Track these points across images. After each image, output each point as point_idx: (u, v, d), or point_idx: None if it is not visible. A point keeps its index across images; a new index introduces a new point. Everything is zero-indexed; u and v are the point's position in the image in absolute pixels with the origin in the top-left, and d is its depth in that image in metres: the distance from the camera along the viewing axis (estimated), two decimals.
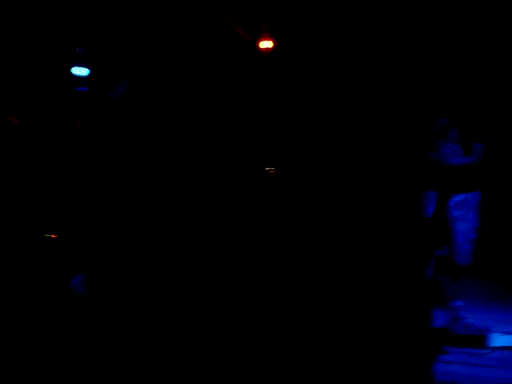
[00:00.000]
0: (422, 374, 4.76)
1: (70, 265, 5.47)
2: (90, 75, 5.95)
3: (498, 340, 5.34)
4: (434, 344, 5.14)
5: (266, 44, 6.11)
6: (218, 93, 6.20)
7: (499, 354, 5.15)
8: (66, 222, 5.69)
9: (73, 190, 5.75)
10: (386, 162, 5.93)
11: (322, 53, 6.12)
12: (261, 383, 4.57)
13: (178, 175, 6.01)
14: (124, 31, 5.93)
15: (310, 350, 4.73)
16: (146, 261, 5.51)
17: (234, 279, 5.40)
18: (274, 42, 6.13)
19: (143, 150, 5.91)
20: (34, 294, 5.29)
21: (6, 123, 5.85)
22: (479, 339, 5.41)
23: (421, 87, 6.01)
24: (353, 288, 5.21)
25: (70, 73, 5.91)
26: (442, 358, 5.01)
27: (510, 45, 6.26)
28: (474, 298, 5.91)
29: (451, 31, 6.23)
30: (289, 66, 6.24)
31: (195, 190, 6.01)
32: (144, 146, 5.91)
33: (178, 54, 6.12)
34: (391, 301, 5.21)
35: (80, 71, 5.90)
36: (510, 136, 6.45)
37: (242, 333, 4.91)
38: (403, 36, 6.04)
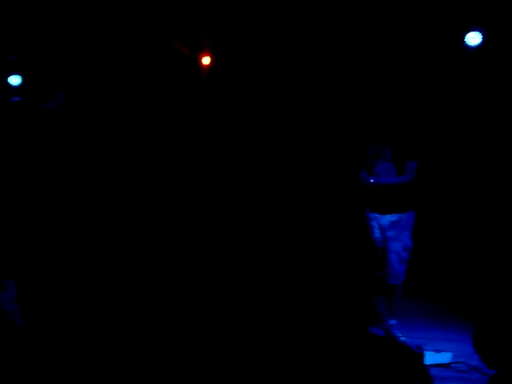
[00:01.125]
0: None
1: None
2: (22, 84, 5.82)
3: (431, 358, 5.38)
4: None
5: (206, 60, 6.12)
6: (154, 105, 6.17)
7: (433, 371, 5.19)
8: None
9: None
10: (320, 183, 5.98)
11: (258, 67, 6.17)
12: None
13: (109, 184, 5.94)
14: (60, 39, 5.84)
15: None
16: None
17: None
18: (213, 58, 6.14)
19: (77, 160, 5.82)
20: None
21: None
22: None
23: (352, 107, 6.10)
24: (286, 309, 5.21)
25: (5, 82, 5.77)
26: None
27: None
28: (407, 316, 5.97)
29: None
30: (227, 81, 6.26)
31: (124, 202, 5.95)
32: (77, 156, 5.83)
33: (115, 65, 6.06)
34: (325, 317, 5.22)
35: (14, 80, 5.77)
36: (442, 154, 6.59)
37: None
38: (336, 58, 6.14)
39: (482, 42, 6.35)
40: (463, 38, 6.37)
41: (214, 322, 5.02)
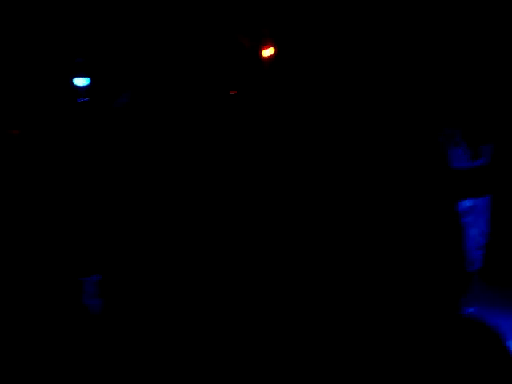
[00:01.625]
0: None
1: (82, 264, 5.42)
2: (90, 85, 5.89)
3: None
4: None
5: (268, 52, 6.07)
6: (223, 97, 6.14)
7: None
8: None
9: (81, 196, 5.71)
10: (393, 172, 5.86)
11: (324, 58, 6.08)
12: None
13: (181, 183, 5.95)
14: (125, 39, 5.88)
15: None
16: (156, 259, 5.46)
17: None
18: (275, 49, 6.09)
19: (149, 160, 5.85)
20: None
21: (6, 136, 5.79)
22: None
23: (426, 92, 5.95)
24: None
25: (71, 84, 5.85)
26: None
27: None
28: (485, 304, 5.83)
29: (453, 37, 6.20)
30: (291, 73, 6.19)
31: (196, 200, 5.95)
32: (150, 155, 5.85)
33: (180, 61, 6.07)
34: (406, 306, 5.14)
35: (81, 82, 5.84)
36: None
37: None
38: (408, 43, 6.00)
39: None
40: None
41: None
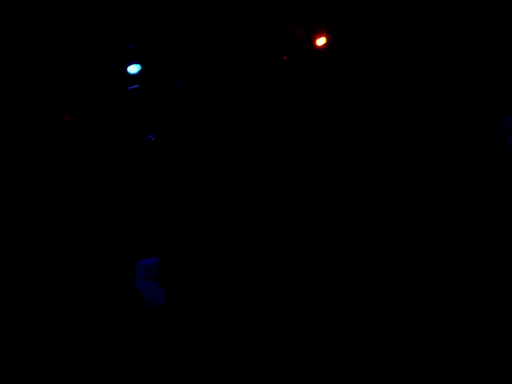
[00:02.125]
0: None
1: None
2: (141, 72, 5.88)
3: None
4: None
5: (321, 41, 6.00)
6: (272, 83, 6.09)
7: None
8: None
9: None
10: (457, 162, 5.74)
11: (383, 50, 5.99)
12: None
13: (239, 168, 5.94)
14: (177, 28, 5.86)
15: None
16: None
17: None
18: (328, 39, 6.01)
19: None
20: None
21: (58, 121, 5.81)
22: None
23: (489, 85, 5.82)
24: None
25: (125, 71, 5.84)
26: None
27: None
28: None
29: None
30: (346, 63, 6.12)
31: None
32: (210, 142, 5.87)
33: (230, 49, 6.04)
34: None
35: (133, 69, 5.83)
36: None
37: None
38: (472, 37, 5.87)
39: None
40: None
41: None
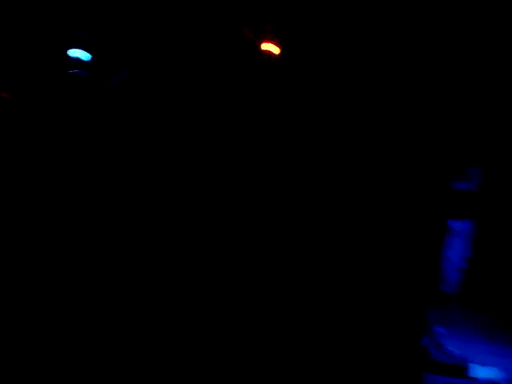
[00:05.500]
0: None
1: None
2: (90, 60, 5.85)
3: (478, 371, 5.21)
4: (417, 370, 5.04)
5: (269, 46, 6.03)
6: (218, 87, 6.11)
7: None
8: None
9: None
10: (383, 184, 5.81)
11: (324, 57, 6.04)
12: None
13: (174, 169, 5.93)
14: (127, 20, 5.85)
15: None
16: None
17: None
18: (278, 45, 6.04)
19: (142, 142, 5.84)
20: None
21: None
22: (459, 369, 5.29)
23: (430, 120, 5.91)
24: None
25: (69, 55, 5.81)
26: None
27: None
28: (458, 326, 5.76)
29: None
30: (293, 69, 6.15)
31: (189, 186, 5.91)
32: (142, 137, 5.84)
33: (179, 45, 6.04)
34: (378, 322, 5.11)
35: (79, 54, 5.79)
36: (507, 165, 6.32)
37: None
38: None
39: None
40: None
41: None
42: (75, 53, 5.74)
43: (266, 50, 6.03)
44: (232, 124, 6.16)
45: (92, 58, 5.87)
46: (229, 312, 5.17)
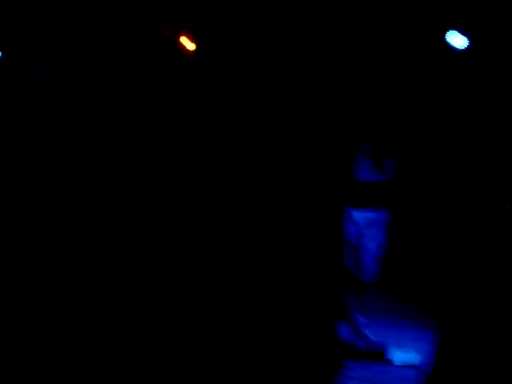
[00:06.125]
0: None
1: None
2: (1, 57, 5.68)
3: (399, 357, 5.38)
4: (336, 358, 5.15)
5: (187, 42, 6.02)
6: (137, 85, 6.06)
7: (400, 371, 5.20)
8: None
9: None
10: (295, 176, 5.91)
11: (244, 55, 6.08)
12: None
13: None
14: (41, 16, 5.71)
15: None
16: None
17: None
18: (196, 41, 6.04)
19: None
20: None
21: None
22: (380, 355, 5.45)
23: (335, 103, 6.04)
24: (255, 296, 5.20)
25: None
26: (344, 373, 5.02)
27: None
28: (377, 314, 5.95)
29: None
30: (210, 66, 6.16)
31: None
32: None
33: (97, 44, 5.95)
34: (295, 313, 5.19)
35: None
36: (421, 155, 6.58)
37: None
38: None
39: (469, 45, 6.33)
40: (448, 39, 6.36)
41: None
42: None
43: (183, 45, 6.02)
44: (148, 119, 6.12)
45: (3, 56, 5.71)
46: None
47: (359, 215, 5.58)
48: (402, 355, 5.44)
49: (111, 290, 5.23)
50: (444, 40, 6.32)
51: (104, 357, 4.63)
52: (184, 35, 6.04)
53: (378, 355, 5.51)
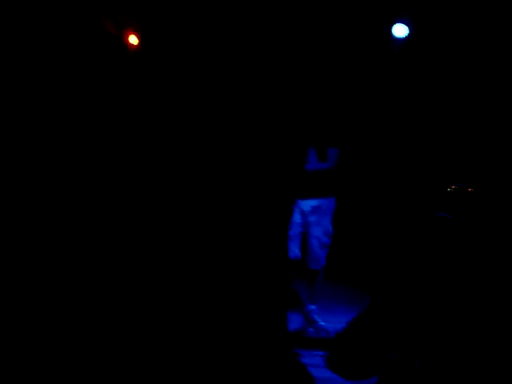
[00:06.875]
0: (276, 377, 4.83)
1: None
2: None
3: None
4: (289, 347, 5.22)
5: (132, 39, 6.03)
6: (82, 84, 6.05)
7: None
8: None
9: None
10: (241, 167, 5.98)
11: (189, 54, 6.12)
12: None
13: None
14: None
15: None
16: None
17: None
18: (139, 38, 6.05)
19: None
20: None
21: None
22: (330, 341, 5.52)
23: (277, 93, 6.11)
24: (207, 288, 5.23)
25: None
26: (297, 361, 5.07)
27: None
28: (327, 301, 6.03)
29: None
30: (156, 63, 6.19)
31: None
32: None
33: (40, 42, 5.92)
34: (246, 303, 5.24)
35: None
36: (364, 142, 6.69)
37: None
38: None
39: (409, 34, 6.44)
40: (390, 30, 6.46)
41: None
42: None
43: (127, 42, 6.04)
44: (93, 116, 6.13)
45: None
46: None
47: (305, 204, 5.66)
48: None
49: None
50: (386, 29, 6.44)
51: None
52: (129, 32, 6.05)
53: (329, 341, 5.58)
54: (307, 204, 5.66)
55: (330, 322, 5.73)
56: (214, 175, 5.92)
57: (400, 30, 6.50)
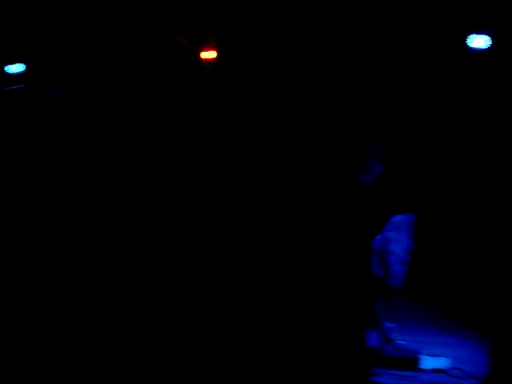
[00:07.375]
0: None
1: None
2: (25, 72, 5.73)
3: (428, 362, 5.34)
4: (365, 365, 5.13)
5: (208, 54, 6.06)
6: (154, 100, 6.12)
7: (429, 376, 5.16)
8: None
9: None
10: (319, 182, 5.92)
11: (261, 65, 6.13)
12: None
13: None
14: (63, 30, 5.77)
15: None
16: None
17: None
18: (216, 53, 6.08)
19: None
20: None
21: None
22: (410, 361, 5.41)
23: (352, 106, 6.04)
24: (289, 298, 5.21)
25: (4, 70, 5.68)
26: (373, 380, 4.99)
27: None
28: (406, 319, 5.91)
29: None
30: (230, 77, 6.21)
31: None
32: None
33: (117, 58, 6.01)
34: (325, 320, 5.19)
35: (13, 68, 5.66)
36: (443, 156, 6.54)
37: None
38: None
39: (489, 46, 6.28)
40: (468, 41, 6.32)
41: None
42: (11, 68, 5.62)
43: (204, 57, 6.07)
44: (174, 130, 6.18)
45: (27, 69, 5.76)
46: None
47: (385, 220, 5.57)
48: (431, 360, 5.39)
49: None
50: (464, 41, 6.29)
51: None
52: (204, 47, 6.09)
53: (408, 361, 5.46)
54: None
55: (409, 341, 5.62)
56: (303, 186, 5.89)
57: (480, 42, 6.34)
